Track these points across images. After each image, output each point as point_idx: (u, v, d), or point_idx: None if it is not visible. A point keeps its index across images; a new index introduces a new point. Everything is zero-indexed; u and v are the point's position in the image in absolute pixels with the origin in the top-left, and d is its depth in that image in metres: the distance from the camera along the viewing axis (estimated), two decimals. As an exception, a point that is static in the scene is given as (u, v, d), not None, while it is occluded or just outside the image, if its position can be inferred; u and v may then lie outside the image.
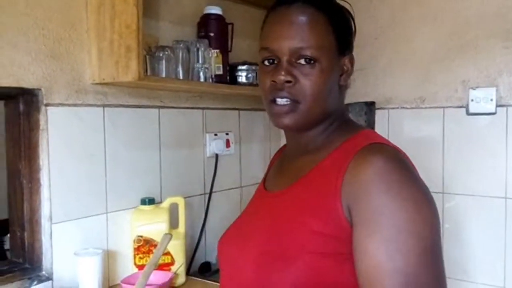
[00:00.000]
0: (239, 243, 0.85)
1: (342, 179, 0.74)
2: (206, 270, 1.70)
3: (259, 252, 0.79)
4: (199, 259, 1.73)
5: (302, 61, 0.80)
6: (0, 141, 1.37)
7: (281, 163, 0.97)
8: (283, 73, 0.79)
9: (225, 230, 0.95)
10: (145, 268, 1.04)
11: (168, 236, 1.09)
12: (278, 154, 1.04)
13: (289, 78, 0.79)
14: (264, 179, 0.98)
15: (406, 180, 0.72)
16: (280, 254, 0.76)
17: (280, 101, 0.81)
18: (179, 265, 1.45)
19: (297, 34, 0.80)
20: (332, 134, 0.85)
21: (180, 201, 1.50)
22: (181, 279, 1.48)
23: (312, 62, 0.80)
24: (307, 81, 0.80)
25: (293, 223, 0.78)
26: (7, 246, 2.15)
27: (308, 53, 0.79)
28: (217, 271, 1.67)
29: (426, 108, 1.83)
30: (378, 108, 1.93)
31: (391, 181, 0.71)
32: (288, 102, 0.80)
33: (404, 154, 0.78)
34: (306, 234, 0.75)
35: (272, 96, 0.82)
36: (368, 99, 1.93)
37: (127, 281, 1.33)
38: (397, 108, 1.89)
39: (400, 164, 0.74)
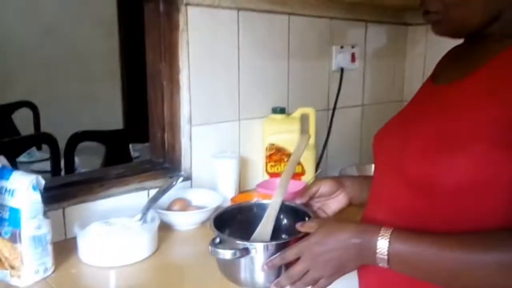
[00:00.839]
0: (402, 135, 0.79)
1: None
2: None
3: (425, 143, 0.72)
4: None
5: None
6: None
7: (454, 56, 0.87)
8: None
9: (384, 125, 0.90)
10: (287, 166, 1.00)
11: (307, 136, 1.05)
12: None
13: None
14: (432, 76, 0.89)
15: None
16: (450, 143, 0.69)
17: (431, 7, 0.75)
18: (310, 176, 1.42)
19: None
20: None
21: (311, 112, 1.46)
22: (311, 190, 1.46)
23: None
24: None
25: (467, 110, 0.70)
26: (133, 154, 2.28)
27: None
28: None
29: None
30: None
31: None
32: (438, 11, 0.74)
33: None
34: (481, 120, 0.68)
35: (424, 8, 0.76)
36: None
37: (263, 185, 1.34)
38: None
39: None
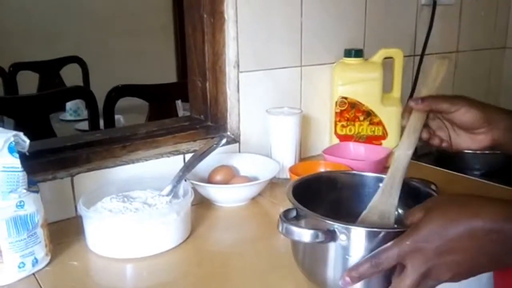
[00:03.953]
0: None
1: None
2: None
3: None
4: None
5: None
6: None
7: None
8: None
9: None
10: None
11: (446, 61, 0.71)
12: None
13: None
14: None
15: None
16: None
17: None
18: (393, 141, 1.09)
19: None
20: None
21: (397, 55, 1.10)
22: (394, 157, 1.13)
23: None
24: None
25: None
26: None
27: None
28: (424, 154, 1.31)
29: None
30: None
31: None
32: None
33: None
34: None
35: None
36: None
37: (331, 151, 1.03)
38: None
39: None
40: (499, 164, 1.14)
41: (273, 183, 0.96)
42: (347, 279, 0.52)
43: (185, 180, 0.83)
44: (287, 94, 1.10)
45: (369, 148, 1.06)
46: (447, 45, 1.45)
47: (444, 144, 0.69)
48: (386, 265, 0.51)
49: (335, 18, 1.15)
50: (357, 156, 1.04)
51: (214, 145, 0.88)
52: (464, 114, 0.64)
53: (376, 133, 1.09)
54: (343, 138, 1.10)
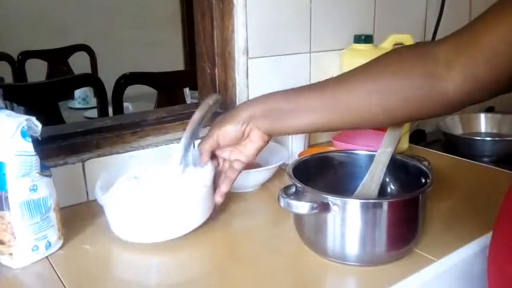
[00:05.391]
0: None
1: None
2: (420, 139, 1.33)
3: None
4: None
5: None
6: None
7: None
8: None
9: None
10: None
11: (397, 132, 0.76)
12: None
13: None
14: None
15: None
16: None
17: None
18: (404, 127, 1.08)
19: None
20: None
21: (407, 41, 1.09)
22: (404, 145, 1.13)
23: None
24: None
25: None
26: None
27: None
28: (433, 141, 1.31)
29: None
30: None
31: None
32: None
33: None
34: None
35: None
36: None
37: (340, 138, 1.03)
38: None
39: None
40: (509, 150, 1.14)
41: (282, 170, 0.96)
42: None
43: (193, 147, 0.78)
44: (296, 80, 1.10)
45: (377, 134, 1.05)
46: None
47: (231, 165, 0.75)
48: None
49: (344, 3, 1.14)
50: (366, 142, 1.04)
51: (211, 104, 0.78)
52: (224, 138, 0.71)
53: (385, 120, 1.09)
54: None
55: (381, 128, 1.08)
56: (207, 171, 0.75)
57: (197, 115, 0.77)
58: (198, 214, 0.73)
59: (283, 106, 0.67)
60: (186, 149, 0.76)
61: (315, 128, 0.67)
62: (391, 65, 0.60)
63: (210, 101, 0.77)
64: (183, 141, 0.76)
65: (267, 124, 0.68)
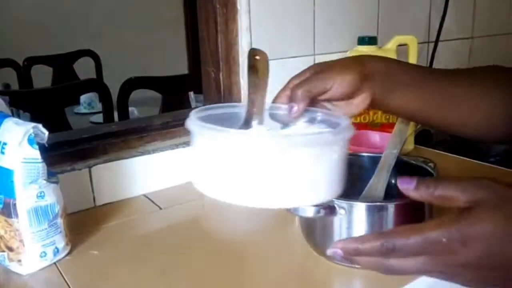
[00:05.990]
0: None
1: None
2: (426, 140, 1.33)
3: None
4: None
5: None
6: None
7: None
8: None
9: None
10: None
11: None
12: None
13: None
14: None
15: None
16: None
17: None
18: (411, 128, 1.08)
19: None
20: None
21: (411, 42, 1.09)
22: (410, 146, 1.12)
23: None
24: None
25: None
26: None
27: None
28: (439, 142, 1.30)
29: None
30: None
31: None
32: None
33: None
34: None
35: None
36: None
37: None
38: None
39: None
40: (516, 150, 1.13)
41: (288, 172, 0.97)
42: (339, 251, 0.43)
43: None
44: (300, 83, 1.10)
45: (384, 136, 1.06)
46: (461, 31, 1.43)
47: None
48: (403, 254, 0.40)
49: (347, 5, 1.14)
50: (374, 144, 1.04)
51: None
52: (339, 87, 0.55)
53: (390, 121, 1.09)
54: (358, 126, 1.09)
55: (389, 129, 1.08)
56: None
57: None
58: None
59: (403, 77, 0.58)
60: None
61: (410, 115, 0.62)
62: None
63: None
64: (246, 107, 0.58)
65: (382, 89, 0.57)
